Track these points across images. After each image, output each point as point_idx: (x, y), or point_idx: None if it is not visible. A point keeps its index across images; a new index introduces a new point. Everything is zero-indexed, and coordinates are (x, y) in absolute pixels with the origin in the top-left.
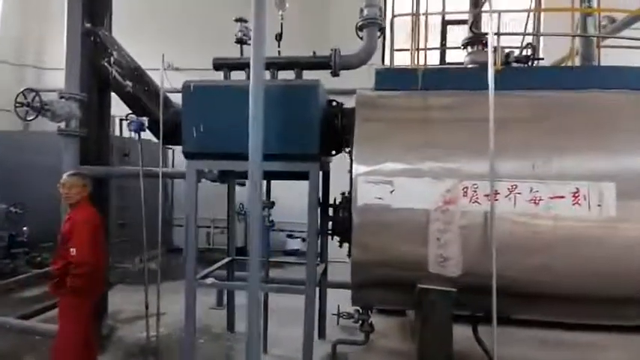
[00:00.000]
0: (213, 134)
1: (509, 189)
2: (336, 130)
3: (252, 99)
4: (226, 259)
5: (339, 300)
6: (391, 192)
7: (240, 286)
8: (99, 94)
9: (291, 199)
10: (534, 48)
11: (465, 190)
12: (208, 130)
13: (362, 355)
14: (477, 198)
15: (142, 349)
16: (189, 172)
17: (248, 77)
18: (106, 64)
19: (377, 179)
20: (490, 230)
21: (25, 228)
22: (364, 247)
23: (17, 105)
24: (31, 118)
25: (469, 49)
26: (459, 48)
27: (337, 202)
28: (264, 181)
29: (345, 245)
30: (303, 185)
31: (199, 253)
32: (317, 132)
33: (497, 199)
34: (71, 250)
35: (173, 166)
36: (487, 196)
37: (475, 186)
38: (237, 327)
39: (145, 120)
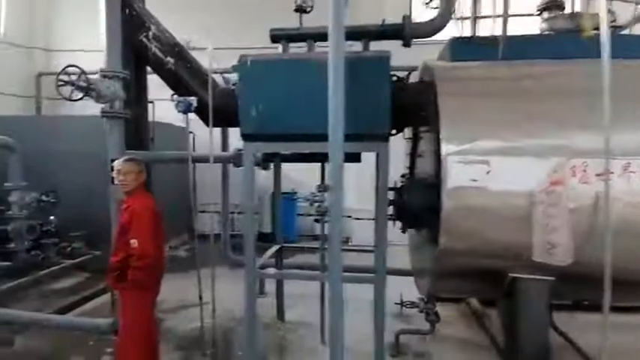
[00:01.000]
0: (274, 113)
1: (623, 167)
2: (400, 108)
3: (332, 72)
4: (275, 247)
5: (395, 287)
6: (487, 173)
7: (314, 276)
8: (136, 73)
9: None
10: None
11: (574, 169)
12: (269, 108)
13: (432, 345)
14: (587, 178)
15: (195, 341)
16: (246, 155)
17: (309, 50)
18: (143, 39)
19: (470, 159)
20: (605, 213)
21: (52, 217)
22: (454, 233)
23: (60, 83)
24: (77, 98)
25: (545, 14)
26: (532, 15)
27: (400, 184)
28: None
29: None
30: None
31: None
32: (388, 109)
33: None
34: (131, 241)
35: (194, 149)
36: (599, 175)
37: (585, 164)
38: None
39: (194, 100)
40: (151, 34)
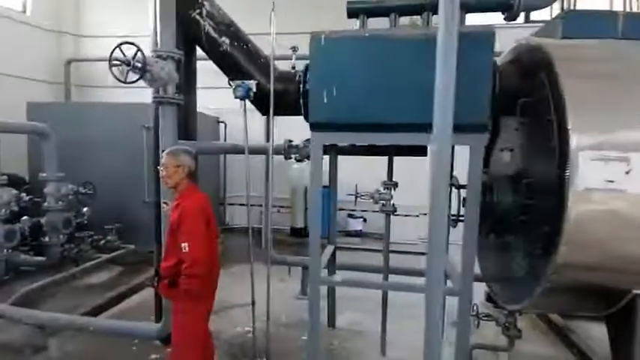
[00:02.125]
0: (350, 99)
1: None
2: (498, 93)
3: (442, 52)
4: (330, 248)
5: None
6: (627, 172)
7: (396, 286)
8: (186, 54)
9: (351, 173)
10: None
11: None
12: (344, 94)
13: None
14: None
15: (243, 347)
16: (314, 146)
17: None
18: (196, 16)
19: (608, 155)
20: None
21: (85, 209)
22: (578, 244)
23: (114, 63)
24: (132, 79)
25: None
26: None
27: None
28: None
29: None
30: (364, 159)
31: (254, 232)
32: (488, 95)
33: None
34: (182, 245)
35: (225, 139)
36: None
37: None
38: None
39: (253, 84)
40: (204, 10)
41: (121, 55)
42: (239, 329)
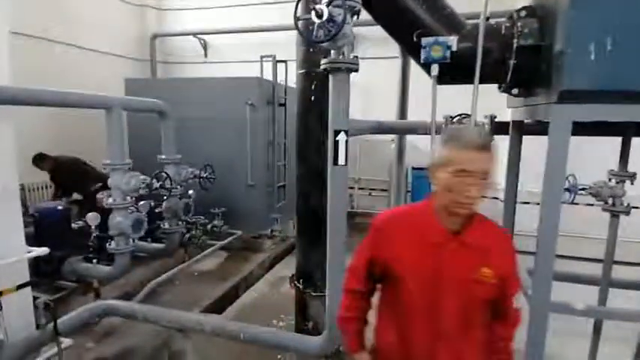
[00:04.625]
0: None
1: None
2: None
3: None
4: None
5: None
6: None
7: None
8: None
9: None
10: None
11: None
12: (627, 48)
13: None
14: None
15: None
16: (558, 125)
17: None
18: None
19: None
20: None
21: (191, 192)
22: None
23: (301, 17)
24: (324, 37)
25: None
26: None
27: None
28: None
29: None
30: None
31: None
32: None
33: None
34: (512, 303)
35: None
36: None
37: None
38: None
39: (453, 40)
40: None
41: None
42: None
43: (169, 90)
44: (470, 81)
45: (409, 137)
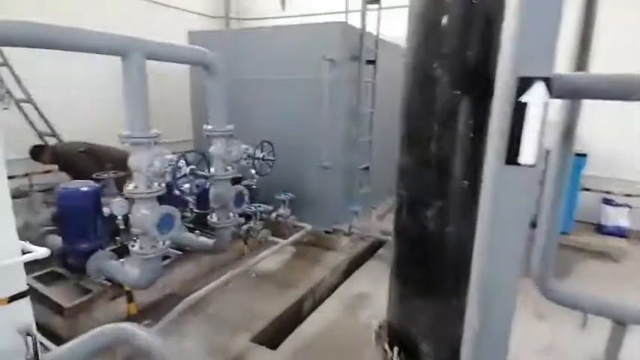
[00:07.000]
0: None
1: None
2: None
3: None
4: None
5: None
6: None
7: None
8: None
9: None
10: None
11: None
12: None
13: None
14: None
15: None
16: None
17: None
18: None
19: None
20: None
21: (253, 171)
22: None
23: None
24: None
25: None
26: None
27: None
28: None
29: None
30: None
31: None
32: None
33: None
34: None
35: None
36: None
37: None
38: None
39: None
40: None
41: None
42: None
43: (230, 44)
44: None
45: None
